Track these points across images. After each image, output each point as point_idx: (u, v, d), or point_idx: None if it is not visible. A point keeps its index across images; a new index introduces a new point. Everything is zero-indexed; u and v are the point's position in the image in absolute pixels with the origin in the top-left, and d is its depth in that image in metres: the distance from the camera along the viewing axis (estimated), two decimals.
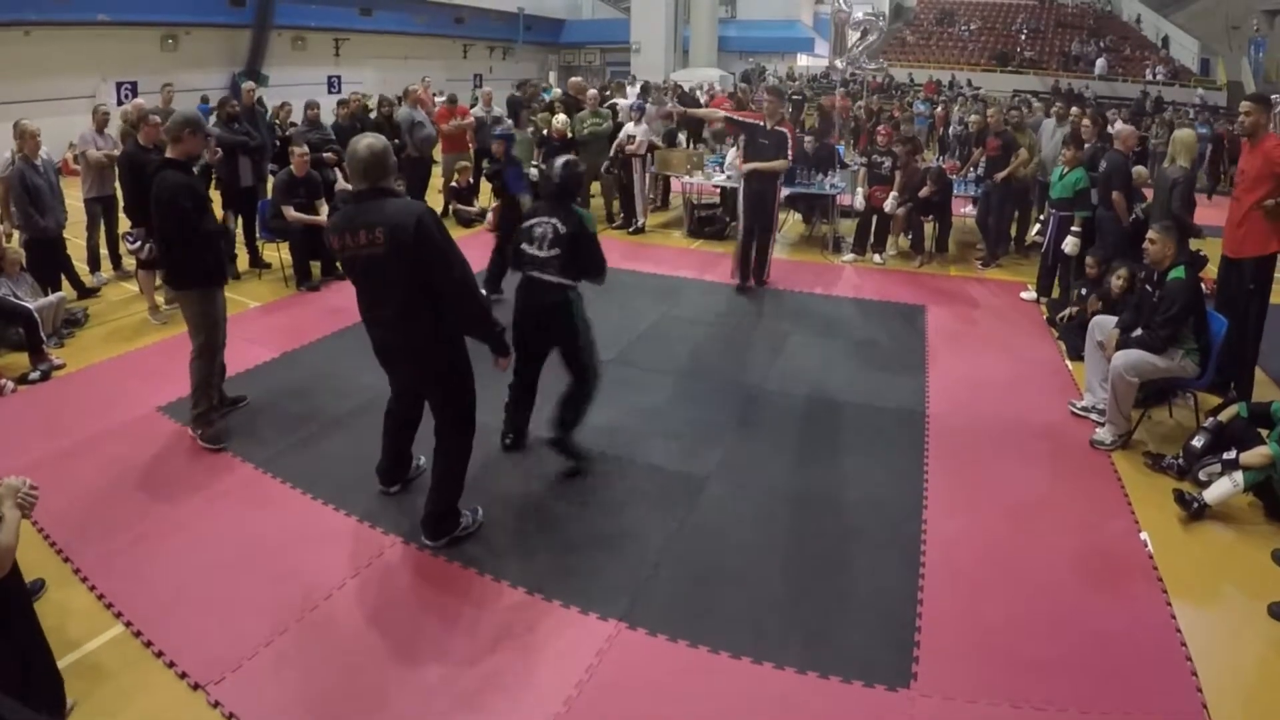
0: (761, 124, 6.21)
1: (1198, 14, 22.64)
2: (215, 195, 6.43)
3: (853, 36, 10.41)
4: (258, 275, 6.75)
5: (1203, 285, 4.05)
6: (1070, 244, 5.59)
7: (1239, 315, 4.26)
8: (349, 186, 6.98)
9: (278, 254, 6.74)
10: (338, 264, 6.45)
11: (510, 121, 9.20)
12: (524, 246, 3.52)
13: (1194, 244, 4.67)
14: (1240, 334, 4.28)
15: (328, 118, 8.41)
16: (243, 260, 6.80)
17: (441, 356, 2.91)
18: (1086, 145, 6.15)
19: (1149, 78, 20.47)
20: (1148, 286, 3.89)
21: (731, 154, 8.74)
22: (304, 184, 6.23)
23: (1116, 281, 4.69)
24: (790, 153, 6.20)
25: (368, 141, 2.81)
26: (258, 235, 6.81)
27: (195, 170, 4.07)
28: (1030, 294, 6.32)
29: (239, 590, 2.83)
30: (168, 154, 3.71)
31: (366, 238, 2.71)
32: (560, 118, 8.37)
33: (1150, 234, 3.87)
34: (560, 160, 3.68)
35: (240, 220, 6.73)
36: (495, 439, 3.81)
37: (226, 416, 4.07)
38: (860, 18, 11.08)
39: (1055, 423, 4.21)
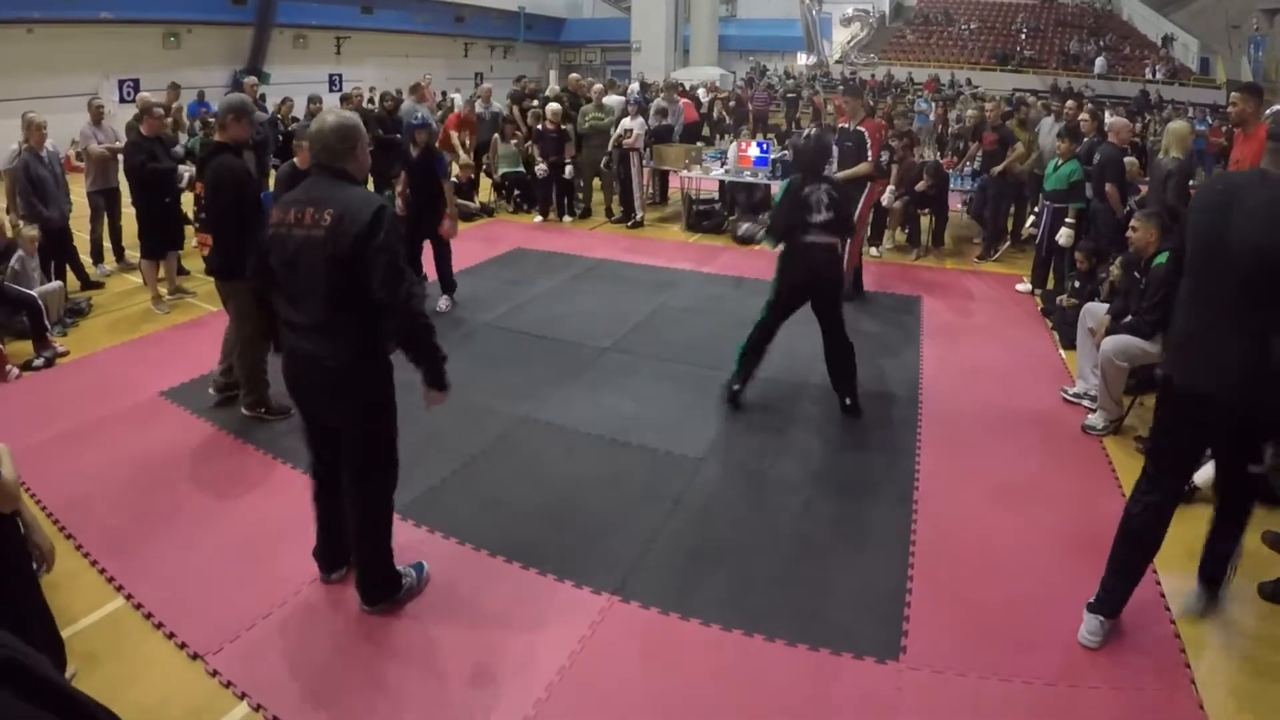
0: (847, 126, 5.95)
1: (1198, 13, 22.65)
2: None
3: (844, 32, 10.46)
4: None
5: None
6: (1064, 235, 5.62)
7: None
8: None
9: None
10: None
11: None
12: (805, 216, 3.84)
13: None
14: None
15: None
16: None
17: (365, 380, 2.44)
18: (1085, 140, 6.18)
19: (1149, 76, 20.49)
20: (1135, 274, 3.92)
21: (733, 149, 8.81)
22: (306, 177, 6.27)
23: (1081, 264, 4.77)
24: (871, 154, 5.68)
25: (336, 117, 2.44)
26: None
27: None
28: (1025, 286, 6.36)
29: (239, 566, 2.87)
30: (216, 138, 3.76)
31: (312, 217, 2.30)
32: (552, 106, 8.41)
33: (1133, 222, 3.91)
34: (809, 131, 4.14)
35: None
36: (496, 423, 3.85)
37: (230, 403, 4.11)
38: (850, 13, 11.14)
39: (1048, 409, 4.24)
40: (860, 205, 5.78)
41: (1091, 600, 2.56)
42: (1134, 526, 2.51)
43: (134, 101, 8.62)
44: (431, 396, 2.47)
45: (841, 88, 8.97)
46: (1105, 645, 2.53)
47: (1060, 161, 5.77)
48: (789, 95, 17.97)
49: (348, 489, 2.57)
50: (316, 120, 2.48)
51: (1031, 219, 6.37)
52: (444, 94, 11.95)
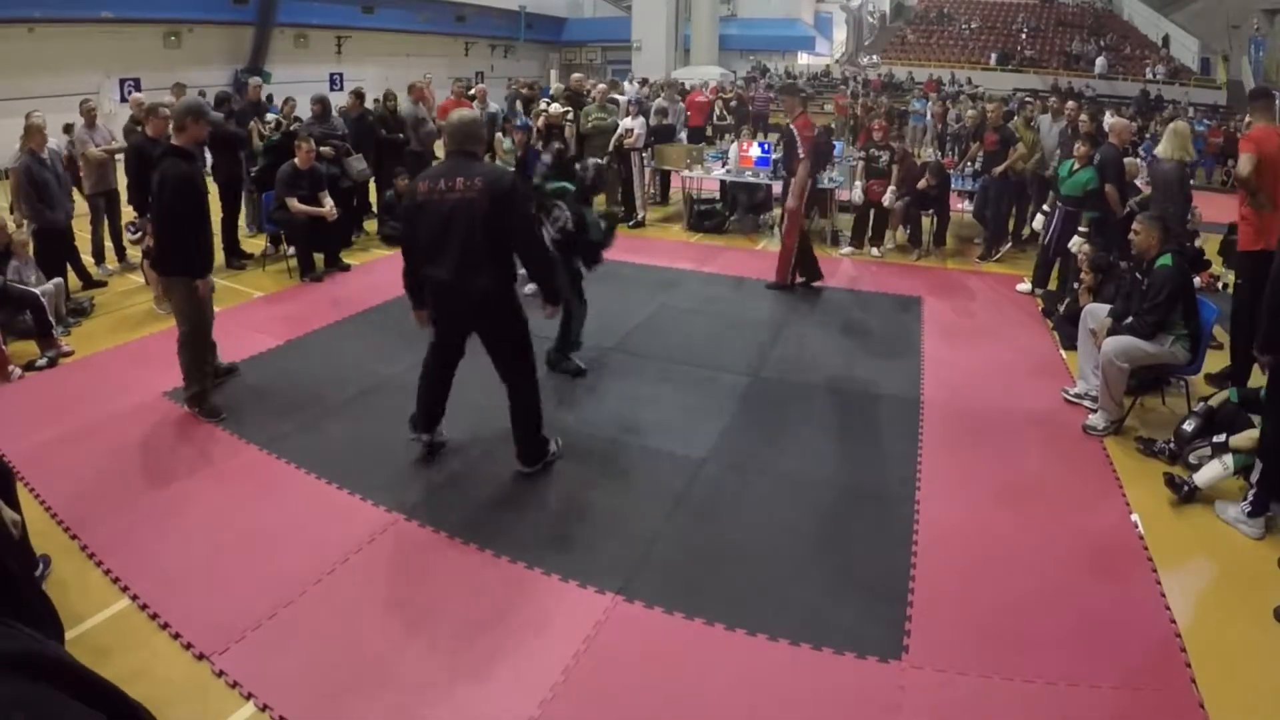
0: (786, 123, 6.26)
1: (1198, 13, 22.65)
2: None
3: (844, 31, 10.46)
4: (262, 267, 6.80)
5: (1196, 280, 4.09)
6: (1076, 244, 5.52)
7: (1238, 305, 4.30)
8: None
9: (282, 244, 6.80)
10: (382, 235, 6.50)
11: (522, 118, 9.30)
12: (541, 215, 4.23)
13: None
14: (1235, 324, 4.33)
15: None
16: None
17: (501, 296, 3.20)
18: None
19: (1149, 77, 20.50)
20: (1137, 274, 3.93)
21: (734, 149, 8.81)
22: (307, 176, 6.29)
23: (1085, 277, 4.76)
24: (801, 149, 5.97)
25: (461, 113, 3.26)
26: (261, 227, 6.92)
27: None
28: (1026, 286, 6.35)
29: (244, 565, 2.88)
30: (172, 141, 3.76)
31: (464, 184, 3.04)
32: (555, 106, 8.41)
33: (1135, 224, 3.91)
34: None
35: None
36: (498, 423, 3.85)
37: (220, 387, 4.16)
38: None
39: (1048, 409, 4.25)
40: (793, 193, 6.08)
41: (1250, 510, 3.13)
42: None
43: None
44: (548, 310, 3.44)
45: (779, 87, 9.29)
46: (1106, 645, 2.54)
47: (1076, 166, 5.69)
48: (801, 93, 17.89)
49: (506, 380, 3.36)
50: (455, 114, 3.26)
51: (1040, 219, 6.30)
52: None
